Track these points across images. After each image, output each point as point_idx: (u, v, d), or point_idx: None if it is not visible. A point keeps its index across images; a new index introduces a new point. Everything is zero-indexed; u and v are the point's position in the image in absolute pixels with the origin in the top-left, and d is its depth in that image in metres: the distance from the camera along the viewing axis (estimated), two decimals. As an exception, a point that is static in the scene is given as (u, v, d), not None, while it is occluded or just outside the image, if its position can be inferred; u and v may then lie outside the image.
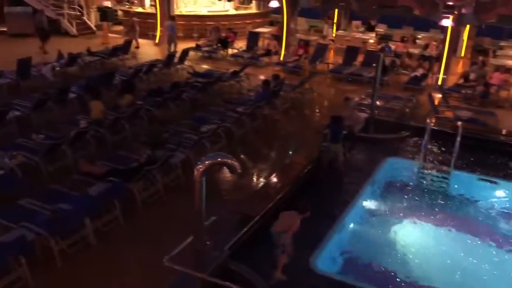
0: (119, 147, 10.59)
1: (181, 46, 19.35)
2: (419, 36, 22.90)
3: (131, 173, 8.73)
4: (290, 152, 11.84)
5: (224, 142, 11.17)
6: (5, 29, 21.40)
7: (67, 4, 22.06)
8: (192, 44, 20.06)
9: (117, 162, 9.38)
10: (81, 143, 10.41)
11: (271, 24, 24.86)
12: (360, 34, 22.85)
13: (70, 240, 7.37)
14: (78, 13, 22.75)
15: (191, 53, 18.67)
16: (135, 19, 21.37)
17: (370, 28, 23.76)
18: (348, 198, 8.93)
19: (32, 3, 21.14)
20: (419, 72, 17.36)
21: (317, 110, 15.30)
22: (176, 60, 17.25)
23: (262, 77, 16.31)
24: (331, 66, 18.72)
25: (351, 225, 8.43)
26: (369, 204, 9.23)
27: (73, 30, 21.95)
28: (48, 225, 7.09)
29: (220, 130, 11.22)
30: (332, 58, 20.46)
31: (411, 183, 9.93)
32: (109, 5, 24.99)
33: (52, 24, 20.08)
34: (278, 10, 20.48)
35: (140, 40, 21.24)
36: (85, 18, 23.09)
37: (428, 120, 10.28)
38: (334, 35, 23.21)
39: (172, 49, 19.46)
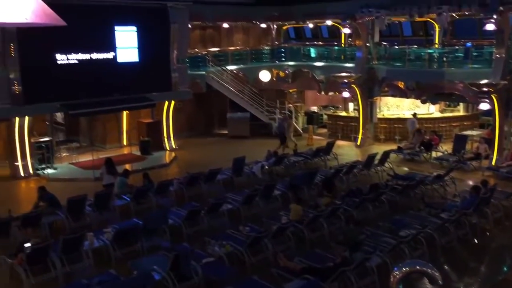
0: (316, 245, 10.84)
1: (383, 148, 19.43)
2: None
3: (326, 272, 8.76)
4: (505, 269, 10.46)
5: (425, 249, 10.50)
6: (226, 132, 24.67)
7: (278, 110, 24.49)
8: (393, 147, 20.01)
9: (313, 260, 9.56)
10: (281, 237, 10.94)
11: (481, 126, 23.37)
12: None
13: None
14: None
15: (392, 155, 18.55)
16: (290, 120, 22.66)
17: None
18: None
19: (251, 110, 24.04)
20: None
21: (538, 222, 13.41)
22: (376, 162, 17.32)
23: (470, 182, 15.24)
24: (556, 173, 16.49)
25: None
26: None
27: (282, 133, 24.04)
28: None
29: (420, 236, 10.64)
30: (558, 163, 18.02)
31: None
32: (316, 110, 26.91)
33: (265, 127, 22.38)
34: (490, 112, 19.26)
35: (342, 142, 22.31)
36: (293, 121, 25.22)
37: None
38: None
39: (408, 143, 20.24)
